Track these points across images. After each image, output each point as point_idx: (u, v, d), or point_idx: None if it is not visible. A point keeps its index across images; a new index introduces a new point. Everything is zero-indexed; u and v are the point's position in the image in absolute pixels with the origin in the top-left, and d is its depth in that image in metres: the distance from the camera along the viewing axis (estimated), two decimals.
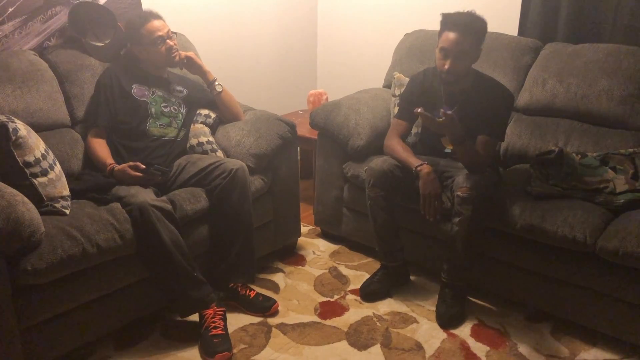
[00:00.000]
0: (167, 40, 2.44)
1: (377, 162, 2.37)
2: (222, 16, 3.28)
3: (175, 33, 2.53)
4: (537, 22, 2.89)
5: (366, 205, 2.41)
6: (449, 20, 2.22)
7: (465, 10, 2.24)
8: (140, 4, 2.80)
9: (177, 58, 2.50)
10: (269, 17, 3.55)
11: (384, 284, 2.48)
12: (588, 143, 2.52)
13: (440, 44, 2.25)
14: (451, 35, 2.20)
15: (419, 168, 2.30)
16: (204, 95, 2.65)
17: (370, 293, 2.46)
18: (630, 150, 2.38)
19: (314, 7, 3.81)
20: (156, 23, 2.42)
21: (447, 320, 2.29)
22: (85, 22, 2.56)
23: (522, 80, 2.75)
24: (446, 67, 2.22)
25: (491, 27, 2.93)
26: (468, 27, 2.19)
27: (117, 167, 2.25)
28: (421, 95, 2.43)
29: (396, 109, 2.86)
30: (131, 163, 2.23)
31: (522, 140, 2.65)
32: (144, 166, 2.21)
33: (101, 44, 2.58)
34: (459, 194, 2.18)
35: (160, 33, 2.42)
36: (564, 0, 2.78)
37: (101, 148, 2.34)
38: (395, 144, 2.43)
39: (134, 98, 2.43)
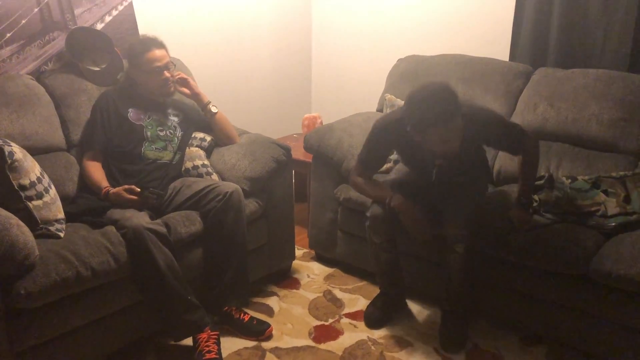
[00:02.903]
0: (165, 72, 2.45)
1: (377, 210, 2.29)
2: (217, 40, 3.32)
3: (175, 64, 2.55)
4: (528, 48, 2.94)
5: (366, 240, 2.39)
6: (427, 122, 1.98)
7: (426, 87, 2.05)
8: (137, 30, 2.84)
9: (172, 89, 2.52)
10: (264, 42, 3.60)
11: (386, 310, 2.47)
12: (580, 166, 2.54)
13: (436, 137, 2.02)
14: (440, 130, 1.99)
15: (390, 203, 2.22)
16: (199, 118, 2.67)
17: (375, 321, 2.44)
18: (621, 173, 2.40)
19: (309, 32, 3.86)
20: (157, 53, 2.43)
21: (451, 344, 2.28)
22: (83, 47, 2.59)
23: (513, 104, 2.79)
24: (447, 151, 2.10)
25: (483, 53, 3.00)
26: (447, 115, 1.97)
27: (112, 190, 2.25)
28: (396, 145, 2.33)
29: None
30: (126, 186, 2.24)
31: (515, 162, 2.67)
32: (138, 189, 2.22)
33: (98, 69, 2.60)
34: (450, 232, 2.18)
35: (159, 63, 2.43)
36: (554, 25, 2.84)
37: (96, 171, 2.35)
38: (360, 182, 2.35)
39: (130, 122, 2.44)
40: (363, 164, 2.35)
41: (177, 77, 2.56)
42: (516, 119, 2.75)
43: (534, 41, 2.91)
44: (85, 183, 2.37)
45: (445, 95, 1.99)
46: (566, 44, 2.83)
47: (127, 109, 2.46)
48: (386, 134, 2.26)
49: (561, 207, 2.28)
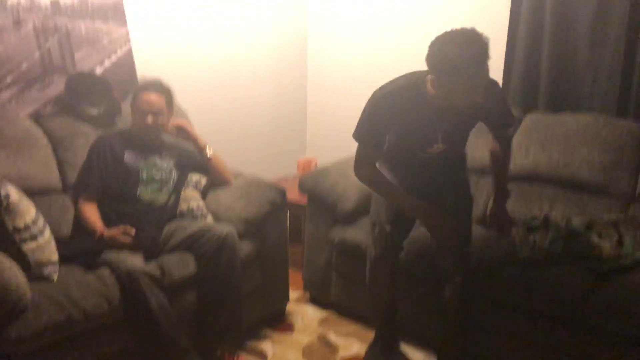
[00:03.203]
0: (148, 116, 2.44)
1: (379, 251, 2.24)
2: (214, 83, 3.37)
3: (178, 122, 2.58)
4: (519, 91, 2.99)
5: (364, 280, 2.37)
6: (461, 63, 1.83)
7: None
8: (135, 74, 2.89)
9: (153, 136, 2.53)
10: (260, 84, 3.65)
11: (386, 354, 2.43)
12: (572, 209, 2.57)
13: (466, 84, 1.89)
14: (472, 73, 1.87)
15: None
16: (195, 160, 2.69)
17: None
18: (614, 216, 2.43)
19: (304, 74, 3.93)
20: (151, 96, 2.45)
21: None
22: (81, 91, 2.63)
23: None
24: (469, 104, 1.97)
25: None
26: (482, 56, 1.88)
27: (107, 232, 2.25)
28: (398, 117, 2.07)
29: None
30: (121, 227, 2.24)
31: (508, 206, 2.68)
32: (134, 230, 2.22)
33: (96, 112, 2.64)
34: (448, 263, 2.18)
35: (146, 107, 2.44)
36: (544, 71, 2.90)
37: (91, 213, 2.36)
38: (372, 174, 2.19)
39: (126, 164, 2.46)
40: (369, 146, 2.12)
41: (173, 126, 2.58)
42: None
43: (524, 85, 2.97)
44: (80, 225, 2.37)
45: (478, 37, 1.85)
46: (556, 88, 2.89)
47: (124, 151, 2.48)
48: (390, 102, 2.03)
49: (556, 248, 2.29)
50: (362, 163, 2.18)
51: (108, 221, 2.35)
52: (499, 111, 2.18)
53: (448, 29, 1.89)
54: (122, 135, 2.54)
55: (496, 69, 3.08)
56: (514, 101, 3.00)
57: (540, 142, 2.70)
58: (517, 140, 2.78)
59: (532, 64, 2.93)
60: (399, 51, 3.52)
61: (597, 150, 2.56)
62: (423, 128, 2.09)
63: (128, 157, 2.48)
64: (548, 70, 2.88)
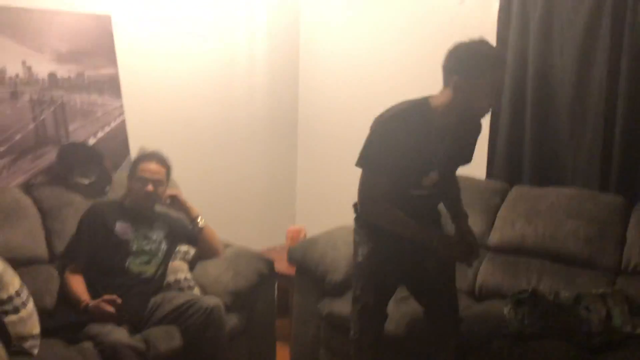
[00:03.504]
0: (149, 185, 2.49)
1: (365, 335, 2.16)
2: (204, 153, 3.41)
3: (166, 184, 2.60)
4: (504, 166, 3.05)
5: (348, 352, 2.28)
6: (489, 61, 1.95)
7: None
8: (128, 145, 2.93)
9: (150, 205, 2.57)
10: (250, 153, 3.70)
11: None
12: (559, 282, 2.57)
13: (489, 84, 1.95)
14: (498, 73, 2.00)
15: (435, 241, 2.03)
16: (185, 231, 2.69)
17: None
18: (601, 290, 2.43)
19: (294, 142, 3.99)
20: (152, 166, 2.51)
21: None
22: (73, 161, 2.66)
23: (491, 220, 2.85)
24: (491, 105, 2.02)
25: (461, 171, 3.11)
26: (504, 57, 2.06)
27: (92, 302, 2.22)
28: (402, 138, 1.98)
29: None
30: (107, 297, 2.21)
31: (496, 278, 2.70)
32: (120, 300, 2.19)
33: (87, 182, 2.66)
34: (442, 327, 2.17)
35: (147, 174, 2.50)
36: (527, 146, 2.97)
37: (77, 284, 2.33)
38: (386, 208, 2.03)
39: (116, 236, 2.46)
40: (380, 171, 1.98)
41: (167, 195, 2.62)
42: (495, 234, 2.80)
43: (509, 161, 3.03)
44: (64, 297, 2.33)
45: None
46: (539, 163, 2.95)
47: (115, 222, 2.48)
48: (399, 123, 1.97)
49: (545, 322, 2.28)
50: (375, 194, 2.01)
51: (94, 293, 2.31)
52: (473, 146, 2.26)
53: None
54: (114, 205, 2.55)
55: (481, 145, 3.16)
56: (499, 175, 3.06)
57: (526, 215, 2.74)
58: (503, 213, 2.82)
59: (515, 142, 2.99)
60: None
61: (582, 224, 2.60)
62: (422, 153, 2.03)
63: (119, 228, 2.48)
64: (531, 148, 2.95)
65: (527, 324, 2.29)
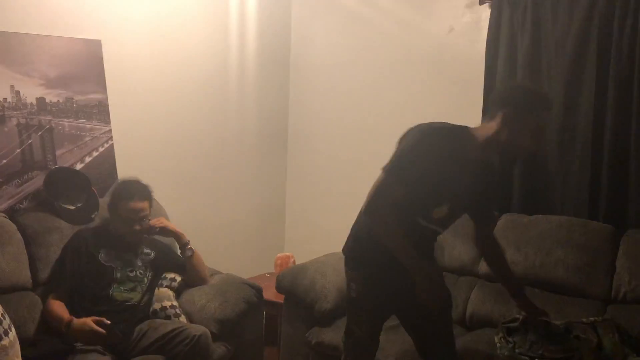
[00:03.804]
0: (136, 225, 2.46)
1: None
2: (192, 180, 3.40)
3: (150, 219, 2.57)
4: None
5: None
6: (539, 103, 1.95)
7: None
8: (116, 170, 2.91)
9: (138, 241, 2.54)
10: (238, 179, 3.69)
11: None
12: (550, 311, 2.53)
13: (537, 123, 1.93)
14: (546, 115, 2.03)
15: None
16: (171, 258, 2.66)
17: None
18: (591, 319, 2.42)
19: (283, 171, 4.00)
20: (138, 204, 2.47)
21: None
22: (60, 186, 2.63)
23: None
24: (535, 147, 2.00)
25: None
26: (551, 102, 2.05)
27: (77, 320, 2.17)
28: (443, 159, 1.89)
29: None
30: (95, 318, 2.16)
31: (486, 306, 2.68)
32: (108, 322, 2.15)
33: (73, 207, 2.62)
34: None
35: (134, 216, 2.46)
36: (516, 175, 2.98)
37: (60, 308, 2.28)
38: (396, 230, 1.91)
39: (101, 263, 2.42)
40: (401, 181, 1.87)
41: (158, 226, 2.58)
42: (484, 261, 2.79)
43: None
44: (46, 324, 2.28)
45: None
46: (529, 191, 2.97)
47: (99, 249, 2.45)
48: (439, 139, 1.88)
49: (535, 351, 2.26)
50: (387, 201, 1.90)
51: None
52: (496, 195, 2.19)
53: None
54: (99, 231, 2.52)
55: None
56: None
57: (515, 242, 2.73)
58: None
59: (504, 170, 2.97)
60: (375, 155, 3.60)
61: (572, 252, 2.60)
62: (445, 181, 1.93)
63: (103, 255, 2.44)
64: (520, 176, 2.96)
65: (518, 353, 2.27)
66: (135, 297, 2.44)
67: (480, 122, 2.93)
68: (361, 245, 2.10)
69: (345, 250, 2.17)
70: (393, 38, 3.47)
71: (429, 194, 1.96)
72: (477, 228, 2.23)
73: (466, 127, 2.01)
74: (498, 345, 2.31)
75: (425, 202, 1.99)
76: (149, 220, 2.54)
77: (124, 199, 2.47)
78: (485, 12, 3.07)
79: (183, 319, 2.49)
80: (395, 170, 1.89)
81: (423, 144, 1.87)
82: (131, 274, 2.47)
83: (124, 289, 2.42)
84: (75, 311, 2.31)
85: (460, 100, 3.21)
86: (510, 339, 2.31)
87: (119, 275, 2.43)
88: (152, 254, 2.60)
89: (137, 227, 2.47)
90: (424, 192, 1.93)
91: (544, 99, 1.98)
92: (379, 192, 1.92)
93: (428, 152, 1.86)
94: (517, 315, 2.45)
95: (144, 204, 2.49)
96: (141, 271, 2.51)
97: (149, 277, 2.52)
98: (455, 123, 2.00)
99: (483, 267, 2.80)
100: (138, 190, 2.50)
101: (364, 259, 2.09)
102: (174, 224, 2.72)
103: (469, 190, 2.01)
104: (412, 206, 1.96)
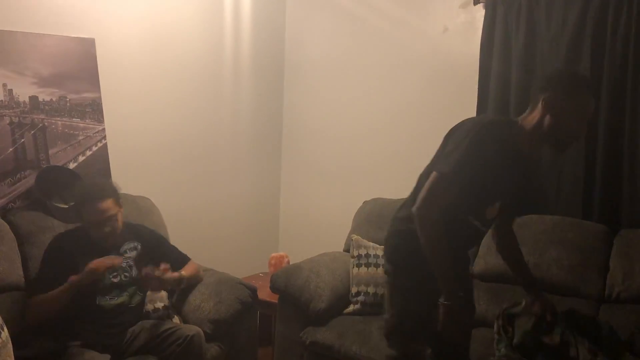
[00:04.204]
0: (106, 226, 2.32)
1: None
2: (187, 178, 3.39)
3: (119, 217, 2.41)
4: None
5: None
6: (582, 86, 1.88)
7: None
8: (109, 169, 2.90)
9: (114, 240, 2.40)
10: (232, 179, 3.68)
11: None
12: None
13: (578, 106, 1.86)
14: (589, 99, 1.88)
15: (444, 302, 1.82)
16: (158, 249, 2.53)
17: None
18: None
19: (278, 171, 3.99)
20: (101, 205, 2.31)
21: None
22: (52, 185, 2.61)
23: (476, 247, 2.85)
24: (579, 131, 1.90)
25: None
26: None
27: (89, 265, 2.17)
28: (497, 153, 1.83)
29: (356, 270, 2.84)
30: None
31: (481, 306, 2.68)
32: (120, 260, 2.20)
33: (66, 206, 2.61)
34: None
35: (101, 217, 2.31)
36: None
37: (51, 292, 2.20)
38: (439, 231, 1.82)
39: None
40: (456, 181, 1.80)
41: (162, 275, 2.35)
42: (480, 262, 2.80)
43: None
44: (37, 323, 2.23)
45: None
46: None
47: (81, 257, 2.30)
48: (492, 133, 1.82)
49: (533, 341, 2.22)
50: (438, 203, 1.82)
51: (67, 326, 2.24)
52: (537, 189, 2.12)
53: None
54: (80, 235, 2.39)
55: None
56: None
57: None
58: (486, 240, 2.81)
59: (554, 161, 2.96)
60: (370, 154, 3.61)
61: (565, 251, 2.61)
62: (497, 177, 1.87)
63: (83, 267, 2.26)
64: None
65: (517, 343, 2.23)
66: (124, 300, 2.37)
67: None
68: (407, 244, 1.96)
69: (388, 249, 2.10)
70: (387, 38, 3.47)
71: (483, 193, 1.90)
72: (501, 221, 2.13)
73: (513, 119, 1.96)
74: (496, 337, 2.27)
75: (479, 201, 1.92)
76: (119, 215, 2.37)
77: (86, 202, 2.32)
78: (479, 12, 3.07)
79: (176, 319, 2.47)
80: (448, 172, 1.80)
81: (476, 142, 1.79)
82: (115, 280, 2.36)
83: (110, 298, 2.33)
84: (65, 318, 2.24)
85: (454, 100, 3.22)
86: (510, 329, 2.28)
87: (102, 284, 2.32)
88: (137, 246, 2.46)
89: (107, 229, 2.32)
90: (478, 191, 1.87)
91: (582, 81, 1.90)
92: (430, 191, 1.83)
93: (481, 150, 1.79)
94: (520, 300, 2.42)
95: (108, 203, 2.31)
96: (126, 273, 2.40)
97: (135, 276, 2.40)
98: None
99: (477, 266, 2.81)
100: (98, 190, 2.34)
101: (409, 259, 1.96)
102: (168, 224, 2.70)
103: (518, 186, 1.96)
104: (464, 206, 1.90)
